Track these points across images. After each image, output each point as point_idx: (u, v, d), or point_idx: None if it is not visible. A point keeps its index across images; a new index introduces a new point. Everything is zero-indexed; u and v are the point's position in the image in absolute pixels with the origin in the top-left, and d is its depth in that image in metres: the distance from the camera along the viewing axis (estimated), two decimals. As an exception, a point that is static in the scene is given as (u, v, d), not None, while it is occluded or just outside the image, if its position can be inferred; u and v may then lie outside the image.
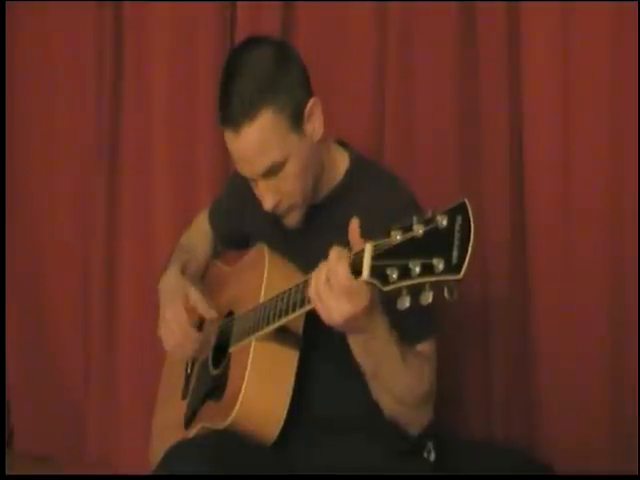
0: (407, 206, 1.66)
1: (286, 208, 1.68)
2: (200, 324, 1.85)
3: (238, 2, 2.48)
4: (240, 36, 2.46)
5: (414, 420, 1.65)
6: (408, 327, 1.51)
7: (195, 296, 1.80)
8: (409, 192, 1.73)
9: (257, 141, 1.59)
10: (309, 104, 1.64)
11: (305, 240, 1.73)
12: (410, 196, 1.72)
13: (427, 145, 2.28)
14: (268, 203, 1.65)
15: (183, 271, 1.91)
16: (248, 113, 1.58)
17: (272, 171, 1.62)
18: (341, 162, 1.76)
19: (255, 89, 1.59)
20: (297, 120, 1.62)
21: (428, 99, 2.28)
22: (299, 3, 2.41)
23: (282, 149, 1.61)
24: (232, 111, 1.59)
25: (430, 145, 2.28)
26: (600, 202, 2.11)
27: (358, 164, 1.77)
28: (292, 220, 1.71)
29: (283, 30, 2.41)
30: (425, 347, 1.64)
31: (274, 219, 1.74)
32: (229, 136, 1.62)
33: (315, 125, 1.65)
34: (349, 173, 1.75)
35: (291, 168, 1.63)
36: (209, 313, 1.80)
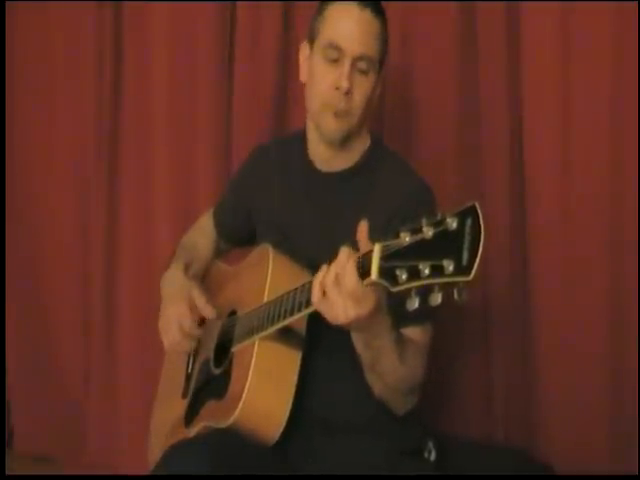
0: (424, 189, 1.75)
1: (346, 106, 1.71)
2: (201, 322, 1.86)
3: (238, 2, 2.48)
4: (240, 36, 2.47)
5: (402, 404, 1.69)
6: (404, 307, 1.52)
7: (197, 294, 1.83)
8: (422, 177, 1.80)
9: (375, 27, 1.72)
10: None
11: (326, 213, 1.78)
12: (424, 181, 1.78)
13: (427, 145, 2.29)
14: (346, 83, 1.69)
15: (186, 271, 1.93)
16: (377, 7, 1.74)
17: (365, 62, 1.71)
18: (366, 138, 1.84)
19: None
20: (383, 61, 1.77)
21: (428, 99, 2.29)
22: (299, 3, 2.40)
23: (379, 54, 1.74)
24: None
25: (430, 145, 2.29)
26: (600, 202, 2.11)
27: (378, 144, 1.86)
28: (335, 125, 1.73)
29: (283, 30, 2.41)
30: (419, 335, 1.66)
31: (292, 193, 1.83)
32: (347, 9, 1.71)
33: (381, 84, 1.80)
34: (370, 149, 1.83)
35: (369, 82, 1.73)
36: (208, 310, 1.81)
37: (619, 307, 2.12)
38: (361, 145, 1.82)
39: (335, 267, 1.39)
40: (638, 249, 2.07)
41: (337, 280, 1.38)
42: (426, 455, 1.74)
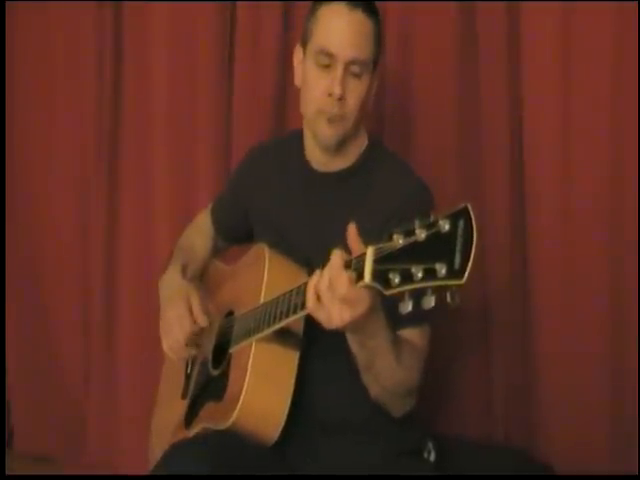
0: (422, 190, 1.74)
1: (340, 111, 1.71)
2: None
3: (238, 2, 2.48)
4: (240, 36, 2.47)
5: (399, 407, 1.68)
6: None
7: (195, 302, 1.82)
8: (421, 177, 1.79)
9: (367, 28, 1.71)
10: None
11: (323, 213, 1.77)
12: (423, 181, 1.77)
13: (427, 146, 2.28)
14: (338, 89, 1.69)
15: (184, 272, 1.93)
16: (369, 6, 1.71)
17: (357, 65, 1.70)
18: (363, 138, 1.83)
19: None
20: (377, 61, 1.76)
21: (428, 99, 2.28)
22: (299, 3, 2.40)
23: (372, 55, 1.73)
24: None
25: (430, 146, 2.28)
26: (600, 203, 2.11)
27: (376, 145, 1.85)
28: (329, 131, 1.73)
29: (283, 30, 2.40)
30: (416, 338, 1.65)
31: (290, 194, 1.82)
32: (337, 9, 1.70)
33: (376, 84, 1.79)
34: (368, 149, 1.82)
35: (362, 85, 1.72)
36: (201, 319, 1.81)
37: (619, 307, 2.12)
38: (358, 146, 1.81)
39: (328, 271, 1.37)
40: (638, 249, 2.07)
41: (331, 285, 1.37)
42: (426, 455, 1.74)
